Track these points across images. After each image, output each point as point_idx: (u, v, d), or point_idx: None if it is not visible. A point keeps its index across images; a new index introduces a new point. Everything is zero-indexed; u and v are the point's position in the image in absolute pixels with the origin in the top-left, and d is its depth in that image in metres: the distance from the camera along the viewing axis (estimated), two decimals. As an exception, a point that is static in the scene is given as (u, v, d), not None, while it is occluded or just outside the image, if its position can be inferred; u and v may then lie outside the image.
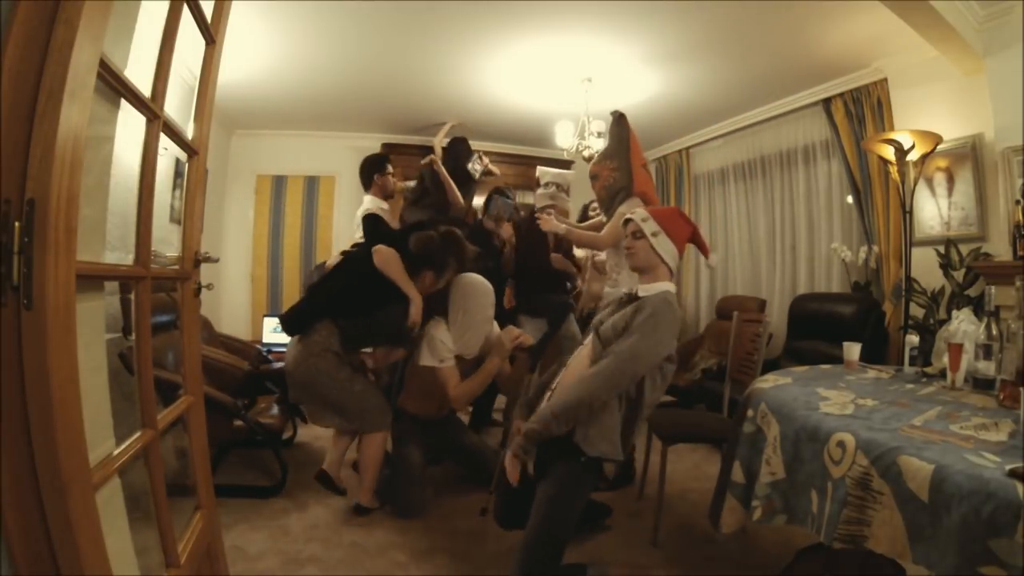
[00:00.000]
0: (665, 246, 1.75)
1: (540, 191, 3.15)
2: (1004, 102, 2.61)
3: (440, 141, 4.79)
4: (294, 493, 2.44)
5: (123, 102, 0.99)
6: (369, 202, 3.14)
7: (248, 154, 4.99)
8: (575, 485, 1.59)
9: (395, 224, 3.29)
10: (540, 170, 3.18)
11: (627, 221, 1.82)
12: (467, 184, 4.13)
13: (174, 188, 2.43)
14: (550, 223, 2.67)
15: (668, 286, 1.75)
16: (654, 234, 1.74)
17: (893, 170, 2.91)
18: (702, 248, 1.91)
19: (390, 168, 3.22)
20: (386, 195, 3.21)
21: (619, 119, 2.68)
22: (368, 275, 2.27)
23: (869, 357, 2.16)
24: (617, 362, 1.58)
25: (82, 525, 0.76)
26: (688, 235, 1.84)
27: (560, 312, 2.99)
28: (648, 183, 2.66)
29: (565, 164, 4.90)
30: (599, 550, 2.01)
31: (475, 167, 4.14)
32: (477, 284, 2.46)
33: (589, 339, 1.79)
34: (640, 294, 1.74)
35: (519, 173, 5.15)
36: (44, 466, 0.71)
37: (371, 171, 3.18)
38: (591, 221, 3.01)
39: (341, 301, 2.27)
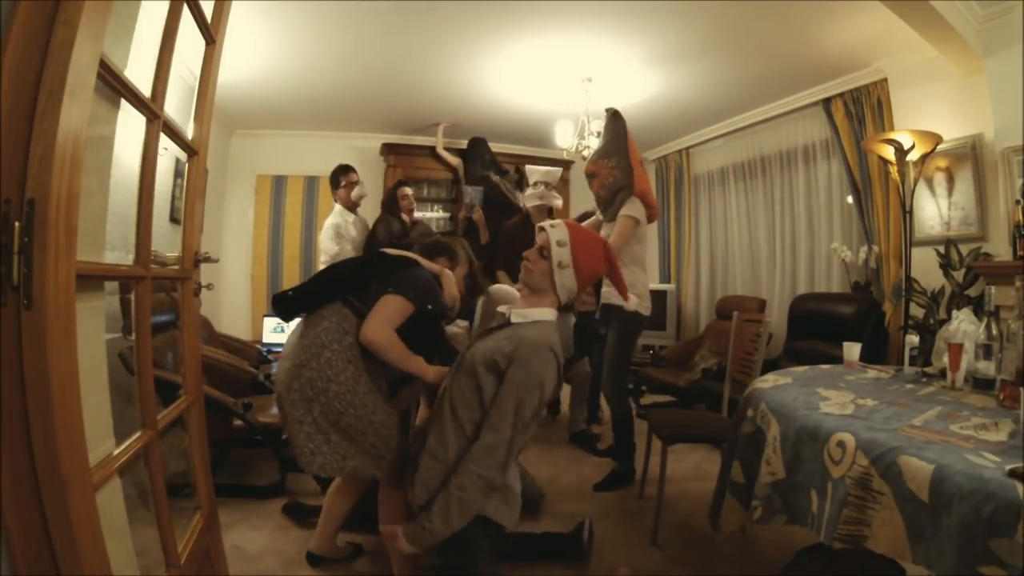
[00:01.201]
0: (567, 280, 1.52)
1: (529, 191, 3.16)
2: (1004, 102, 2.61)
3: (440, 143, 4.82)
4: (294, 493, 2.44)
5: (123, 102, 0.99)
6: (336, 214, 3.32)
7: (248, 154, 4.99)
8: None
9: (357, 235, 3.38)
10: (528, 169, 3.17)
11: (540, 230, 1.59)
12: (505, 177, 4.32)
13: (174, 188, 2.43)
14: None
15: (549, 315, 1.53)
16: (560, 265, 1.52)
17: (893, 170, 2.91)
18: (620, 288, 1.72)
19: (346, 180, 3.34)
20: (347, 206, 3.35)
21: (615, 116, 2.67)
22: (383, 253, 1.91)
23: (869, 357, 2.15)
24: (493, 438, 1.35)
25: (82, 525, 0.76)
26: (600, 274, 1.64)
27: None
28: (646, 181, 2.66)
29: (565, 164, 4.90)
30: (600, 550, 2.01)
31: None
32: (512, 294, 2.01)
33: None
34: (513, 319, 1.51)
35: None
36: (44, 465, 0.71)
37: (331, 186, 3.39)
38: (588, 221, 3.00)
39: (352, 277, 1.75)
